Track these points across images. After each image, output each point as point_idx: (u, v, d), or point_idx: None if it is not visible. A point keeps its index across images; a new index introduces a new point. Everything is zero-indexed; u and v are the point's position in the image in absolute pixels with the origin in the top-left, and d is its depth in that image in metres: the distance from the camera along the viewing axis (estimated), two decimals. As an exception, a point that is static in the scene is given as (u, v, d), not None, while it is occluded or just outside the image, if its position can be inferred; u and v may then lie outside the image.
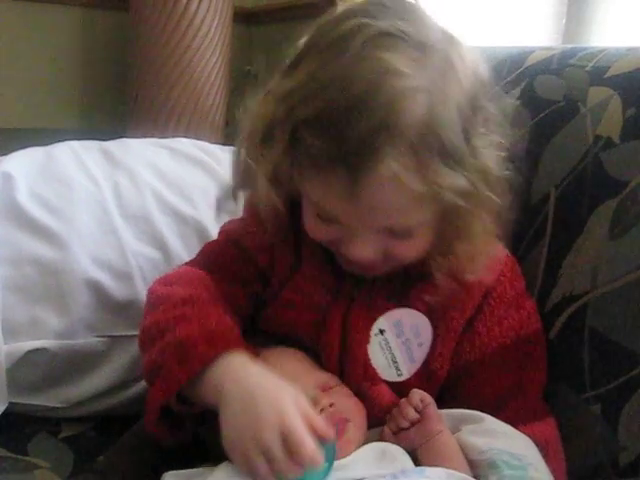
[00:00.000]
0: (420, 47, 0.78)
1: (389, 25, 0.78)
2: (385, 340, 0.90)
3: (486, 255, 0.86)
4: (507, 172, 0.86)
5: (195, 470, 0.82)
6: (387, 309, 0.90)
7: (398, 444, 0.83)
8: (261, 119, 0.86)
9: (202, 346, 0.81)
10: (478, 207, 0.81)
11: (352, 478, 0.75)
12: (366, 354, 0.90)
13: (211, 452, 0.88)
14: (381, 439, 0.85)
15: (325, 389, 0.85)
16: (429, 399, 0.85)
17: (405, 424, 0.84)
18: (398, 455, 0.81)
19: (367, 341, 0.90)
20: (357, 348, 0.90)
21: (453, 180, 0.77)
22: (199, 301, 0.88)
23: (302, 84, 0.80)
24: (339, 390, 0.87)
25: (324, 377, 0.88)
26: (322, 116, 0.77)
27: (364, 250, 0.83)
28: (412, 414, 0.84)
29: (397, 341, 0.90)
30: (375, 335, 0.90)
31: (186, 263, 1.02)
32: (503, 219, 0.86)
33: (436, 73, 0.78)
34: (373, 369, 0.90)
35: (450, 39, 0.82)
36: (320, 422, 0.75)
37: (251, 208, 0.97)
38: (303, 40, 0.86)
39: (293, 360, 0.90)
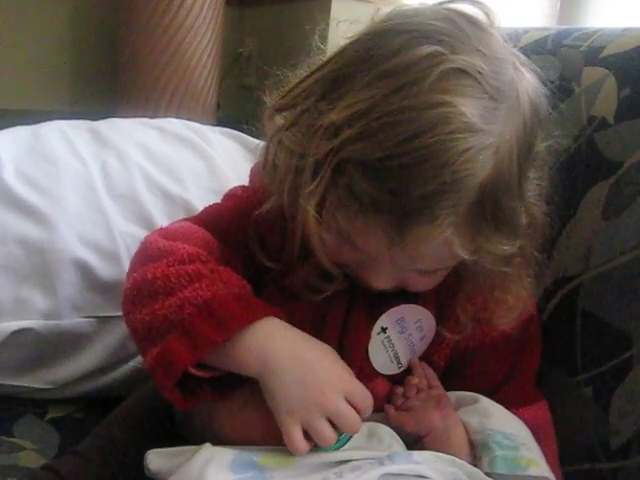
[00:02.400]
0: (494, 94, 0.70)
1: (466, 61, 0.69)
2: (388, 338, 0.88)
3: (519, 310, 0.84)
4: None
5: (178, 449, 0.81)
6: (391, 304, 0.88)
7: (407, 423, 0.83)
8: (297, 152, 0.76)
9: (237, 308, 0.77)
10: (521, 271, 0.80)
11: (337, 459, 0.75)
12: (364, 355, 0.88)
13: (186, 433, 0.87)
14: (389, 418, 0.85)
15: None
16: (441, 389, 0.86)
17: (413, 392, 0.84)
18: (385, 436, 0.80)
19: (366, 341, 0.88)
20: (355, 350, 0.88)
21: (503, 248, 0.73)
22: (210, 262, 0.84)
23: (356, 116, 0.70)
24: None
25: None
26: (379, 162, 0.68)
27: (381, 281, 0.79)
28: (422, 382, 0.84)
29: (400, 337, 0.88)
30: (377, 334, 0.88)
31: (188, 219, 0.96)
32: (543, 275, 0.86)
33: (506, 123, 0.71)
34: (369, 368, 0.88)
35: (520, 72, 0.75)
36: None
37: (271, 209, 0.88)
38: (348, 49, 0.76)
39: None
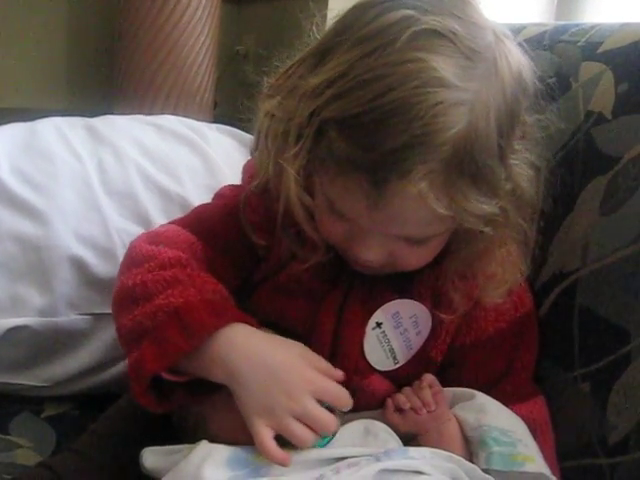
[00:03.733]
0: (469, 54, 0.71)
1: (439, 22, 0.71)
2: (383, 333, 0.88)
3: (509, 284, 0.84)
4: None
5: (174, 447, 0.81)
6: (386, 299, 0.88)
7: (401, 424, 0.83)
8: (285, 118, 0.79)
9: (205, 315, 0.78)
10: (504, 234, 0.79)
11: (331, 455, 0.75)
12: (358, 350, 0.88)
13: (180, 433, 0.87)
14: (385, 417, 0.85)
15: None
16: (438, 385, 0.85)
17: (418, 405, 0.83)
18: (381, 433, 0.80)
19: (361, 337, 0.88)
20: (350, 345, 0.88)
21: (482, 207, 0.73)
22: (189, 266, 0.85)
23: (334, 78, 0.73)
24: None
25: None
26: (354, 118, 0.70)
27: (372, 252, 0.79)
28: (429, 399, 0.83)
29: (395, 332, 0.88)
30: (372, 329, 0.88)
31: (174, 221, 0.97)
32: (530, 246, 0.85)
33: (482, 84, 0.72)
34: (364, 363, 0.88)
35: (500, 40, 0.76)
36: (333, 370, 0.79)
37: (259, 185, 0.91)
38: (331, 27, 0.79)
39: None
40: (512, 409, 0.86)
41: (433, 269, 0.88)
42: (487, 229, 0.76)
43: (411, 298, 0.88)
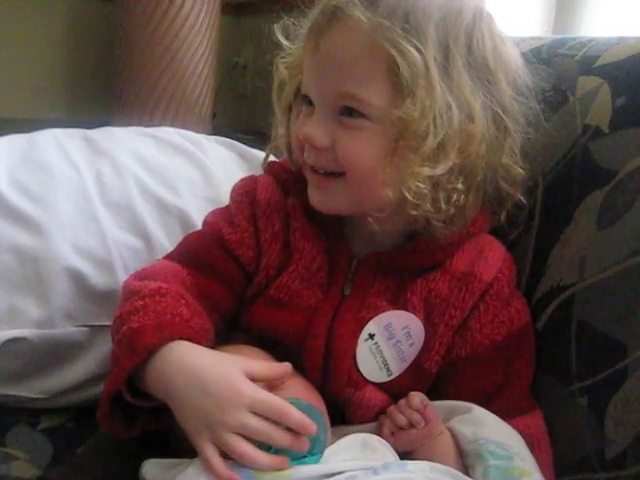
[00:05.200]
0: None
1: None
2: (376, 344, 0.88)
3: (442, 189, 0.85)
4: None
5: (175, 460, 0.81)
6: (379, 309, 0.89)
7: (395, 445, 0.82)
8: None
9: (149, 335, 0.80)
10: (428, 96, 0.80)
11: (331, 471, 0.74)
12: (351, 362, 0.88)
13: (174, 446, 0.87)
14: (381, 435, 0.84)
15: (273, 386, 0.82)
16: (427, 400, 0.84)
17: (404, 422, 0.83)
18: (379, 446, 0.80)
19: (353, 348, 0.88)
20: (342, 356, 0.88)
21: (402, 39, 0.80)
22: (167, 294, 0.87)
23: None
24: (291, 384, 0.84)
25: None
26: None
27: (313, 127, 0.86)
28: (416, 417, 0.82)
29: (388, 343, 0.88)
30: (365, 340, 0.88)
31: (165, 256, 1.00)
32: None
33: None
34: (358, 375, 0.89)
35: (478, 9, 0.87)
36: (273, 373, 0.80)
37: (241, 192, 0.98)
38: None
39: (250, 354, 0.88)
40: (509, 422, 0.86)
41: (426, 278, 0.89)
42: (407, 72, 0.80)
43: (404, 309, 0.88)
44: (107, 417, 0.82)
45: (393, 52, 0.79)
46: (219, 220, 0.98)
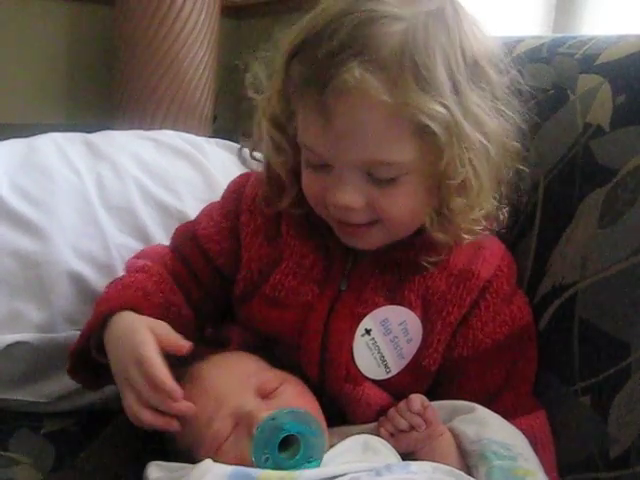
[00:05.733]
0: None
1: None
2: (372, 340, 0.88)
3: (480, 210, 0.84)
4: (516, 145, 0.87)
5: (180, 464, 0.81)
6: (376, 304, 0.89)
7: (396, 447, 0.82)
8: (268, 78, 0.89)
9: (104, 304, 0.90)
10: (461, 144, 0.78)
11: (335, 474, 0.74)
12: (348, 356, 0.88)
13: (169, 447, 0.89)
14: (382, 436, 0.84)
15: (265, 394, 0.82)
16: (427, 402, 0.83)
17: (405, 426, 0.82)
18: (381, 448, 0.80)
19: (350, 343, 0.88)
20: (339, 351, 0.88)
21: (425, 101, 0.75)
22: (146, 271, 0.97)
23: (296, 29, 0.82)
24: (284, 390, 0.84)
25: (266, 378, 0.85)
26: (303, 41, 0.79)
27: (347, 194, 0.81)
28: (417, 420, 0.82)
29: (385, 339, 0.88)
30: (362, 336, 0.88)
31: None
32: (504, 191, 0.88)
33: (423, 14, 0.78)
34: (356, 370, 0.88)
35: (454, 7, 0.82)
36: (175, 344, 0.83)
37: (231, 188, 1.02)
38: None
39: (239, 363, 0.89)
40: (512, 422, 0.85)
41: (424, 276, 0.89)
42: (438, 129, 0.77)
43: (401, 305, 0.88)
44: (74, 371, 0.93)
45: (422, 118, 0.75)
46: (202, 214, 1.04)
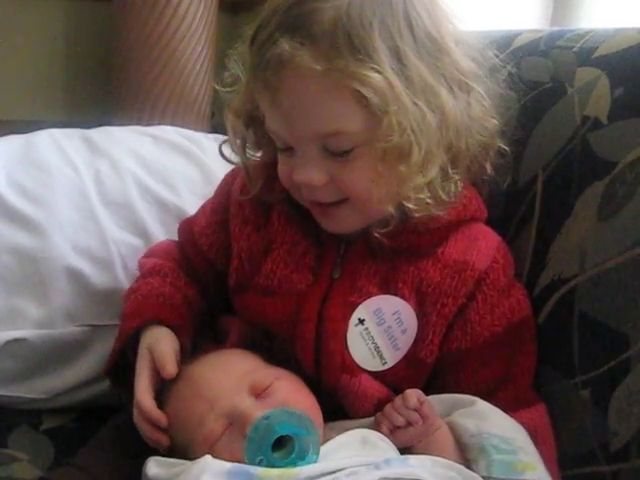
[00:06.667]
0: None
1: None
2: (366, 329, 0.88)
3: (423, 177, 0.83)
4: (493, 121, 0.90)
5: (179, 460, 0.81)
6: (369, 293, 0.89)
7: (394, 442, 0.82)
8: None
9: (129, 320, 0.95)
10: (400, 110, 0.79)
11: (333, 468, 0.74)
12: (343, 345, 0.88)
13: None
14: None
15: (259, 392, 0.82)
16: (423, 397, 0.83)
17: (402, 422, 0.82)
18: (379, 442, 0.80)
19: (344, 332, 0.88)
20: (333, 340, 0.88)
21: (358, 67, 0.78)
22: (159, 272, 1.01)
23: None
24: (279, 387, 0.83)
25: (260, 375, 0.84)
26: (255, 30, 0.83)
27: (307, 169, 0.84)
28: (414, 416, 0.81)
29: (379, 329, 0.88)
30: (355, 325, 0.88)
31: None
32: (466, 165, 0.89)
33: None
34: (351, 360, 0.88)
35: None
36: (162, 368, 0.87)
37: (223, 181, 1.07)
38: None
39: (233, 362, 0.89)
40: (512, 416, 0.85)
41: (417, 268, 0.89)
42: (376, 99, 0.78)
43: (394, 295, 0.88)
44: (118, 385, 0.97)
45: (355, 85, 0.78)
46: (199, 210, 1.09)
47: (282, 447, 0.76)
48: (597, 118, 0.93)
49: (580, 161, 0.93)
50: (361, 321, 0.88)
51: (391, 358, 0.89)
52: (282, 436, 0.75)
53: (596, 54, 0.97)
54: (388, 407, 0.84)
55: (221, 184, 1.06)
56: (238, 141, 0.96)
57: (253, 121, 0.92)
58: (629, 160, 0.87)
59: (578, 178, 0.93)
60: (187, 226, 1.07)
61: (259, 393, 0.82)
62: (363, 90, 0.78)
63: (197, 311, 1.00)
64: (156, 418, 0.84)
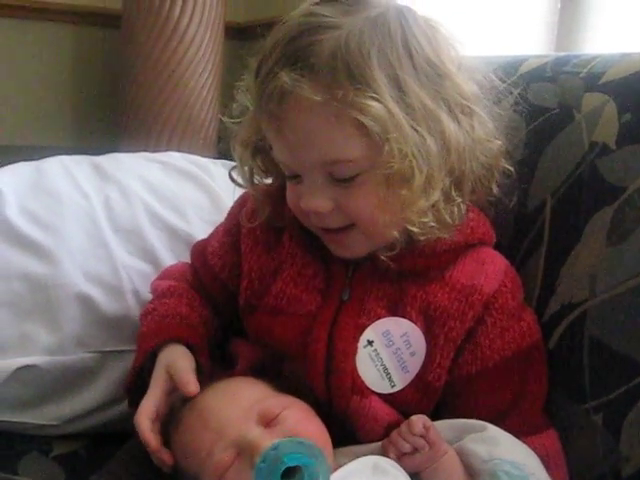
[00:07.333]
0: (355, 3, 0.84)
1: None
2: (375, 351, 0.88)
3: (426, 202, 0.84)
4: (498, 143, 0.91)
5: None
6: (378, 315, 0.89)
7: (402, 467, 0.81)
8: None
9: (148, 340, 0.96)
10: (400, 137, 0.80)
11: None
12: (353, 368, 0.88)
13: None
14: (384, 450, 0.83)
15: (268, 421, 0.81)
16: (429, 422, 0.82)
17: (408, 449, 0.81)
18: (390, 469, 0.79)
19: (354, 352, 0.88)
20: (343, 360, 0.88)
21: (357, 97, 0.79)
22: (173, 293, 1.03)
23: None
24: (288, 416, 0.82)
25: (269, 404, 0.84)
26: (259, 63, 0.85)
27: (314, 197, 0.86)
28: (420, 442, 0.81)
29: (387, 351, 0.88)
30: (364, 347, 0.88)
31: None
32: (471, 187, 0.90)
33: (361, 20, 0.82)
34: (361, 381, 0.88)
35: (399, 12, 0.86)
36: (182, 385, 0.88)
37: (235, 203, 1.08)
38: None
39: (242, 391, 0.88)
40: (524, 441, 0.85)
41: (425, 292, 0.89)
42: (377, 128, 0.80)
43: (403, 314, 0.89)
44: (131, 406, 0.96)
45: (355, 114, 0.79)
46: (213, 232, 1.10)
47: (292, 476, 0.75)
48: (605, 143, 0.93)
49: (589, 186, 0.93)
50: (370, 342, 0.88)
51: (400, 381, 0.89)
52: (291, 466, 0.75)
53: (603, 79, 0.98)
54: (394, 434, 0.83)
55: (233, 206, 1.08)
56: (246, 169, 0.97)
57: (260, 151, 0.94)
58: (638, 185, 0.87)
59: (587, 203, 0.93)
60: (200, 248, 1.08)
61: (268, 422, 0.81)
62: (363, 119, 0.79)
63: (212, 332, 1.02)
64: (147, 441, 0.86)
